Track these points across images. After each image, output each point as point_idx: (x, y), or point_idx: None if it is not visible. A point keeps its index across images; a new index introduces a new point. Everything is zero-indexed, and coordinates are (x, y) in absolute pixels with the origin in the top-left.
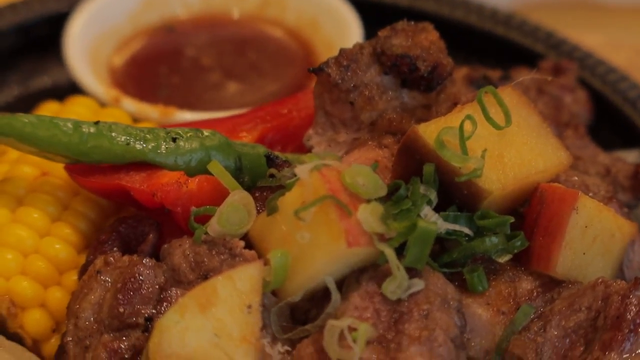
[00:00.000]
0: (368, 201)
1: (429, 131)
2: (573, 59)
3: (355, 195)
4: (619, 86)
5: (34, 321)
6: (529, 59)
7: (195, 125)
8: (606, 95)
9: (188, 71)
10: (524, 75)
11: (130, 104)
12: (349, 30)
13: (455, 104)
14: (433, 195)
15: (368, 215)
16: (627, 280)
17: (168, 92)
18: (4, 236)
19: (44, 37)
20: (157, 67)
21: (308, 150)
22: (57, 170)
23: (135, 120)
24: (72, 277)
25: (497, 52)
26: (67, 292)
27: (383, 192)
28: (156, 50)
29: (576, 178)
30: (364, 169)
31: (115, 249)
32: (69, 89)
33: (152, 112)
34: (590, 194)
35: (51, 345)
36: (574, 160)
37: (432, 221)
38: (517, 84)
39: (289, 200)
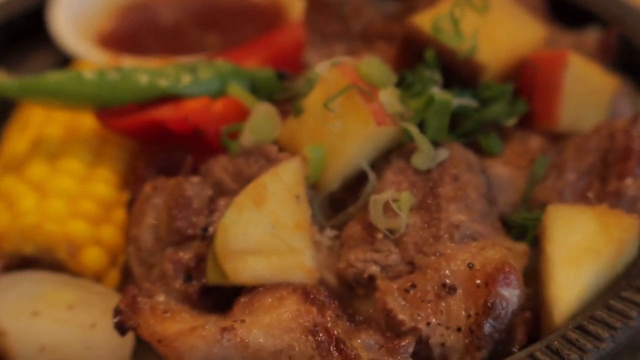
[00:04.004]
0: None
1: (425, 21)
2: None
3: (372, 84)
4: None
5: (93, 258)
6: None
7: None
8: None
9: (168, 36)
10: None
11: (131, 62)
12: None
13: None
14: (438, 77)
15: (389, 97)
16: None
17: (154, 56)
18: (50, 187)
19: (24, 31)
20: (139, 37)
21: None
22: (82, 122)
23: None
24: (119, 214)
25: None
26: (117, 227)
27: (394, 79)
28: (134, 23)
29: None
30: (375, 61)
31: (160, 177)
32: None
33: (152, 65)
34: None
35: (111, 279)
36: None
37: (446, 94)
38: None
39: (313, 99)
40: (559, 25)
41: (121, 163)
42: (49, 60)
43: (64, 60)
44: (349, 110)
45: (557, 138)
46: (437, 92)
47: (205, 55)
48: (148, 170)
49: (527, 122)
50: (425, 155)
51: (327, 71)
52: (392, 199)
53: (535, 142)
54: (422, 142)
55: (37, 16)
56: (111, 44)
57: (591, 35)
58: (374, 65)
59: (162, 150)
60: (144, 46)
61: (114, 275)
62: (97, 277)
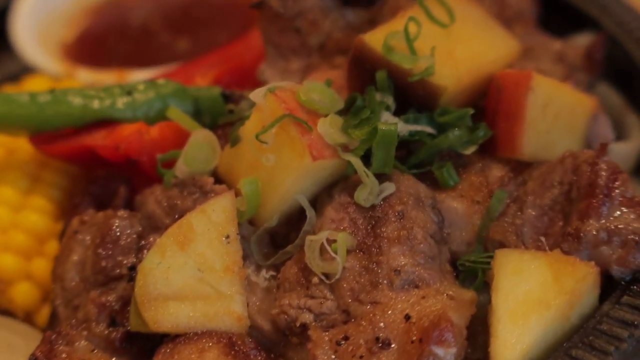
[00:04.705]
0: (326, 116)
1: (375, 39)
2: None
3: (313, 111)
4: None
5: (23, 294)
6: None
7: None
8: None
9: (138, 38)
10: None
11: (86, 74)
12: None
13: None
14: (390, 101)
15: (328, 127)
16: None
17: (121, 60)
18: None
19: None
20: (108, 39)
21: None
22: (23, 145)
23: None
24: (53, 246)
25: None
26: (50, 261)
27: (340, 105)
28: (105, 24)
29: (530, 66)
30: (317, 85)
31: (90, 209)
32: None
33: (107, 78)
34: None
35: (43, 315)
36: (527, 51)
37: (393, 122)
38: None
39: (249, 128)
40: (550, 31)
41: (59, 190)
42: (12, 68)
43: (27, 68)
44: (283, 142)
45: (521, 166)
46: (384, 121)
47: (172, 64)
48: (82, 199)
49: (491, 148)
50: (368, 190)
51: (262, 98)
52: (329, 240)
53: (495, 172)
54: (365, 176)
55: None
56: (77, 51)
57: (582, 42)
58: (316, 91)
59: (100, 176)
60: (111, 53)
61: (45, 313)
62: (28, 314)
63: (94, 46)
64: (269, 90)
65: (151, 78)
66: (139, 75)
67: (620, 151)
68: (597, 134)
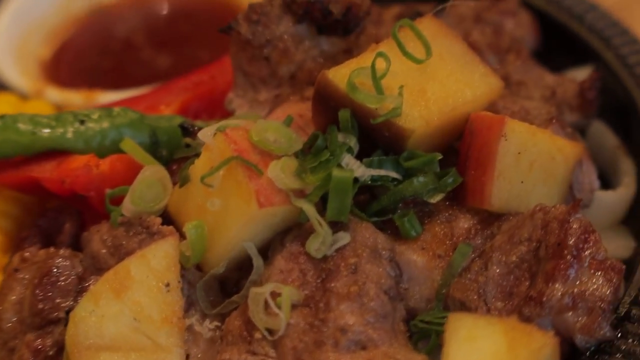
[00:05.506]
0: (279, 158)
1: (339, 75)
2: None
3: (268, 153)
4: (564, 3)
5: None
6: None
7: (118, 104)
8: (552, 14)
9: (119, 52)
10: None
11: (54, 93)
12: None
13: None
14: (353, 142)
15: (279, 172)
16: None
17: (100, 76)
18: None
19: None
20: (88, 53)
21: (232, 114)
22: None
23: (61, 109)
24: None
25: None
26: None
27: (298, 145)
28: (86, 36)
29: (515, 105)
30: (272, 124)
31: (37, 244)
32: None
33: (76, 98)
34: (531, 118)
35: None
36: (518, 86)
37: (349, 169)
38: (451, 14)
39: (198, 168)
40: (552, 64)
41: (11, 220)
42: None
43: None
44: (230, 187)
45: (491, 218)
46: (345, 164)
47: (151, 84)
48: (29, 233)
49: (461, 196)
50: (320, 240)
51: (211, 137)
52: (275, 293)
53: (462, 223)
54: (318, 224)
55: None
56: (54, 67)
57: (581, 76)
58: (271, 130)
59: (51, 209)
60: (90, 69)
61: None
62: None
63: (72, 62)
64: (218, 129)
65: (112, 103)
66: (108, 97)
67: (607, 200)
68: (581, 182)
